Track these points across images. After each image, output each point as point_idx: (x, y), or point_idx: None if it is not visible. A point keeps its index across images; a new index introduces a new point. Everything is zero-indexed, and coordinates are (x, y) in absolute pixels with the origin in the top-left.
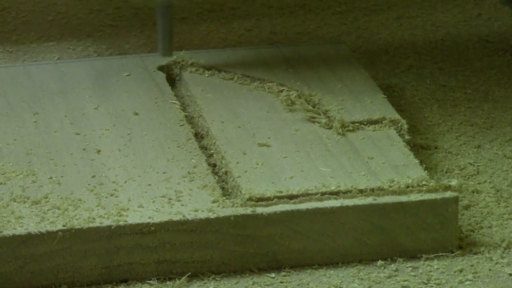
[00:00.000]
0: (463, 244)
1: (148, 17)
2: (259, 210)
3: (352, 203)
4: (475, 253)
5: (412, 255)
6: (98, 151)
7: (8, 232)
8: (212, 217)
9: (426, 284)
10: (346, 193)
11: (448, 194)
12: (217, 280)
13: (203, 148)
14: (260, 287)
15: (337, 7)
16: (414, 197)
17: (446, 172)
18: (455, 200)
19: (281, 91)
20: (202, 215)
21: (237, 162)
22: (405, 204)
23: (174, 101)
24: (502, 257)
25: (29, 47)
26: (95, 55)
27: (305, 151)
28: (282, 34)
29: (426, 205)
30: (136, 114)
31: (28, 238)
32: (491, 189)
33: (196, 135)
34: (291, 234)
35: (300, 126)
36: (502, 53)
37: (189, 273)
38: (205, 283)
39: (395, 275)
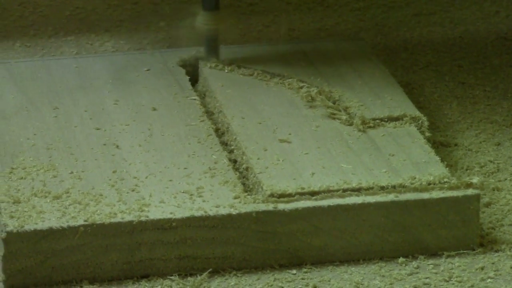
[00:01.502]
0: (484, 242)
1: (167, 12)
2: (281, 206)
3: (374, 200)
4: (496, 251)
5: (433, 253)
6: (119, 147)
7: (29, 227)
8: (234, 213)
9: (447, 281)
10: (368, 189)
11: (470, 191)
12: (238, 276)
13: (224, 144)
14: (281, 283)
15: (355, 3)
16: (436, 194)
17: (467, 170)
18: (477, 197)
19: (302, 87)
20: (223, 211)
21: (258, 158)
22: (427, 201)
23: (194, 97)
24: None
25: (47, 42)
26: (113, 50)
27: (326, 147)
28: (301, 30)
29: (448, 203)
30: (156, 109)
31: (50, 233)
32: (511, 187)
33: (216, 131)
34: (312, 230)
35: (320, 123)
36: None
37: (210, 269)
38: (226, 279)
39: (417, 272)
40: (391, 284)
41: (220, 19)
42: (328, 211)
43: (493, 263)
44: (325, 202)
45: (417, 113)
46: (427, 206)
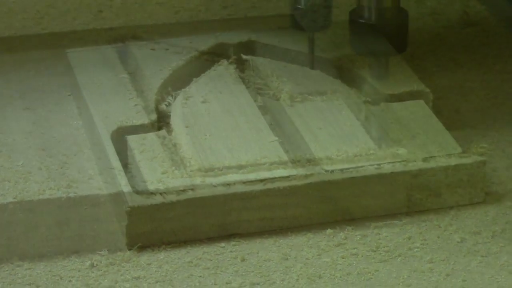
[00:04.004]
0: (412, 212)
1: None
2: (209, 180)
3: (302, 173)
4: (424, 221)
5: (361, 224)
6: (48, 125)
7: None
8: (161, 188)
9: (375, 251)
10: (295, 162)
11: (397, 162)
12: (167, 250)
13: None
14: (210, 256)
15: None
16: (363, 165)
17: (396, 141)
18: (404, 167)
19: (231, 63)
20: (151, 186)
21: (187, 134)
22: (354, 173)
23: (124, 75)
24: (451, 224)
25: None
26: None
27: (254, 122)
28: (234, 6)
29: (375, 174)
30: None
31: None
32: (442, 157)
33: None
34: (241, 204)
35: (249, 98)
36: (448, 24)
37: (139, 244)
38: (155, 253)
39: (344, 243)
40: (319, 255)
41: None
42: (257, 185)
43: (420, 233)
44: (253, 176)
45: (345, 87)
46: (354, 178)
